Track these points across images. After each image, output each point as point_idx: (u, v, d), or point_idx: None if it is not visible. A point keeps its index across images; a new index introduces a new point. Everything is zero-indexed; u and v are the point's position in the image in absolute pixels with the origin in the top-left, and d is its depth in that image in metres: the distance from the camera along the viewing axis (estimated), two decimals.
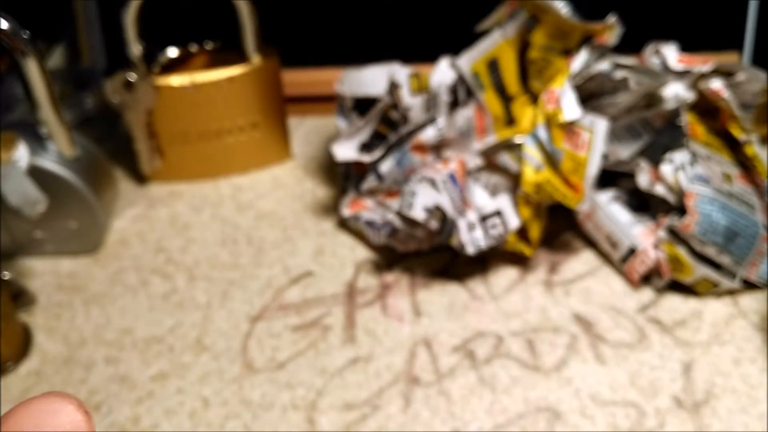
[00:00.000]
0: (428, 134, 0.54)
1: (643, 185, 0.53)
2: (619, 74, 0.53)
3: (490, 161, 0.56)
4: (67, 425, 0.19)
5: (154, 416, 0.47)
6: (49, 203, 0.54)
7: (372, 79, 0.56)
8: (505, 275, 0.54)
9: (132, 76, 0.60)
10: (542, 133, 0.53)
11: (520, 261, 0.55)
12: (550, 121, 0.52)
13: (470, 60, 0.55)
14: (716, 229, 0.50)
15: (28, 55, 0.50)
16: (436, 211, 0.51)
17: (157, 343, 0.51)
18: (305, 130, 0.69)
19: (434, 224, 0.51)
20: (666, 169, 0.51)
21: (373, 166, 0.56)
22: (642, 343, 0.49)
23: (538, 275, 0.54)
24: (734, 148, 0.54)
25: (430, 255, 0.56)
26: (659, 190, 0.52)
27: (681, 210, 0.51)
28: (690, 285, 0.52)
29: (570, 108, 0.51)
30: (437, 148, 0.55)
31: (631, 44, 0.55)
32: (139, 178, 0.65)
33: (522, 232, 0.54)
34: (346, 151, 0.56)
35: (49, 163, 0.54)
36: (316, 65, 0.70)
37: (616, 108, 0.53)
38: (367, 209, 0.57)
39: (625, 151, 0.54)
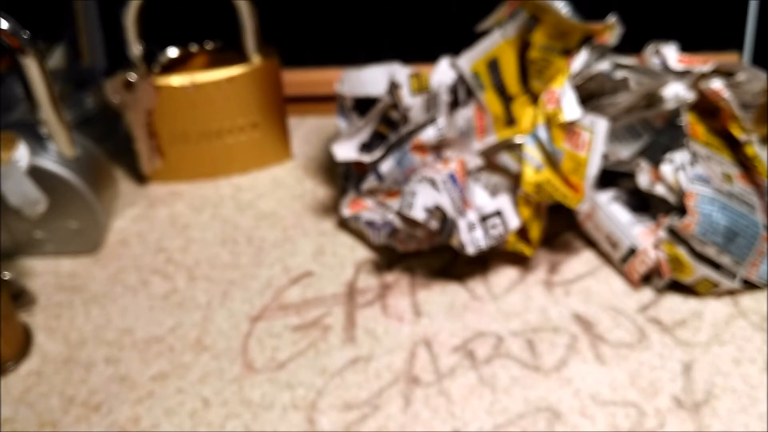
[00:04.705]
0: (428, 134, 0.54)
1: (643, 185, 0.53)
2: (619, 74, 0.53)
3: (490, 161, 0.56)
4: None
5: (154, 416, 0.47)
6: (49, 203, 0.54)
7: (372, 79, 0.56)
8: (505, 275, 0.54)
9: (132, 76, 0.60)
10: (542, 133, 0.53)
11: (520, 261, 0.55)
12: (551, 121, 0.52)
13: (470, 60, 0.55)
14: (716, 229, 0.50)
15: (28, 55, 0.50)
16: (436, 211, 0.51)
17: (157, 343, 0.51)
18: (305, 130, 0.69)
19: (434, 224, 0.51)
20: (666, 169, 0.51)
21: (373, 166, 0.56)
22: (642, 343, 0.49)
23: (538, 275, 0.54)
24: (734, 148, 0.54)
25: (430, 255, 0.56)
26: (659, 190, 0.52)
27: (681, 210, 0.51)
28: (690, 285, 0.52)
29: (570, 108, 0.51)
30: (437, 148, 0.55)
31: (631, 44, 0.55)
32: (139, 178, 0.65)
33: (522, 232, 0.54)
34: (346, 151, 0.56)
35: (49, 163, 0.54)
36: (316, 65, 0.70)
37: (616, 108, 0.53)
38: (367, 209, 0.57)
39: (625, 151, 0.54)
